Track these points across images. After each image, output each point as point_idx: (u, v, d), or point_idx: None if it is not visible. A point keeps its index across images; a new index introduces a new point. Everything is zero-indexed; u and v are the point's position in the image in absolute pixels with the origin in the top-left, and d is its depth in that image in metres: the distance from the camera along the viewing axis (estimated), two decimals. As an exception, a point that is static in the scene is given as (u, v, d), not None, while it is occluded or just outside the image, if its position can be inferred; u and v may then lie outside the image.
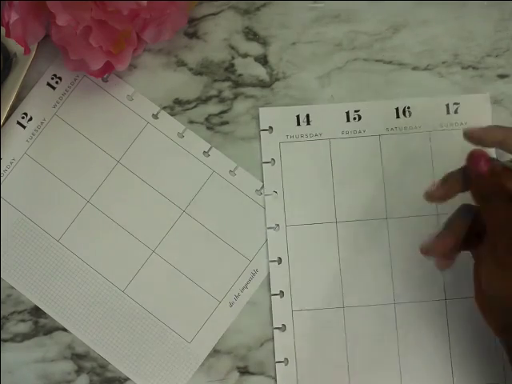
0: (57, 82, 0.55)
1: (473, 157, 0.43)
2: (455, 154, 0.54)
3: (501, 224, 0.42)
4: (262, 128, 0.55)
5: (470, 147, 0.54)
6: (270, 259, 0.53)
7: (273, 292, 0.53)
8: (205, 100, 0.55)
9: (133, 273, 0.53)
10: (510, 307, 0.41)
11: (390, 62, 0.55)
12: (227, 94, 0.55)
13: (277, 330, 0.53)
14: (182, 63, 0.55)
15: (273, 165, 0.54)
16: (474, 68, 0.55)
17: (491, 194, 0.42)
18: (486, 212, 0.43)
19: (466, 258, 0.46)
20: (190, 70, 0.55)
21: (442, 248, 0.45)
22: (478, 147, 0.44)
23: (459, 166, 0.45)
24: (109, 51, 0.50)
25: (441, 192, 0.45)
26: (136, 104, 0.55)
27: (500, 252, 0.41)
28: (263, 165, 0.54)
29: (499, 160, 0.44)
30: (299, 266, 0.53)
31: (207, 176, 0.54)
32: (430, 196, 0.45)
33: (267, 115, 0.55)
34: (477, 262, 0.44)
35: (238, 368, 0.53)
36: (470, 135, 0.45)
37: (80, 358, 0.53)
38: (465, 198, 0.45)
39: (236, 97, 0.55)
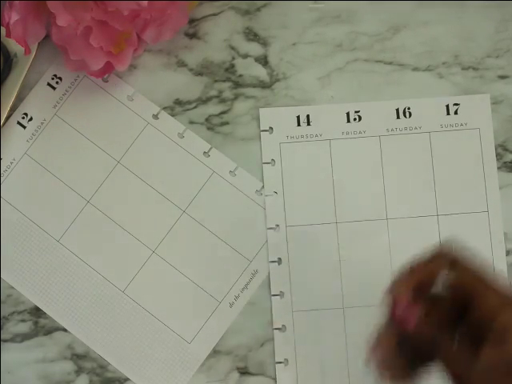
0: (57, 83, 0.55)
1: (398, 313, 0.37)
2: (455, 154, 0.54)
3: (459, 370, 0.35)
4: (262, 128, 0.55)
5: (470, 148, 0.55)
6: (270, 260, 0.53)
7: (273, 292, 0.53)
8: (205, 100, 0.55)
9: (133, 273, 0.53)
10: None
11: (390, 63, 0.55)
12: (227, 94, 0.55)
13: (277, 331, 0.53)
14: (182, 63, 0.55)
15: (273, 165, 0.54)
16: (474, 69, 0.55)
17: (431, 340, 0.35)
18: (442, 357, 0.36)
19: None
20: (191, 70, 0.55)
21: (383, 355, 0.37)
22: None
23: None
24: (109, 51, 0.50)
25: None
26: (136, 104, 0.55)
27: None
28: (263, 165, 0.54)
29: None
30: (299, 266, 0.53)
31: (207, 176, 0.54)
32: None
33: (267, 116, 0.55)
34: None
35: (238, 368, 0.53)
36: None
37: (80, 358, 0.53)
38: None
39: (236, 97, 0.55)
